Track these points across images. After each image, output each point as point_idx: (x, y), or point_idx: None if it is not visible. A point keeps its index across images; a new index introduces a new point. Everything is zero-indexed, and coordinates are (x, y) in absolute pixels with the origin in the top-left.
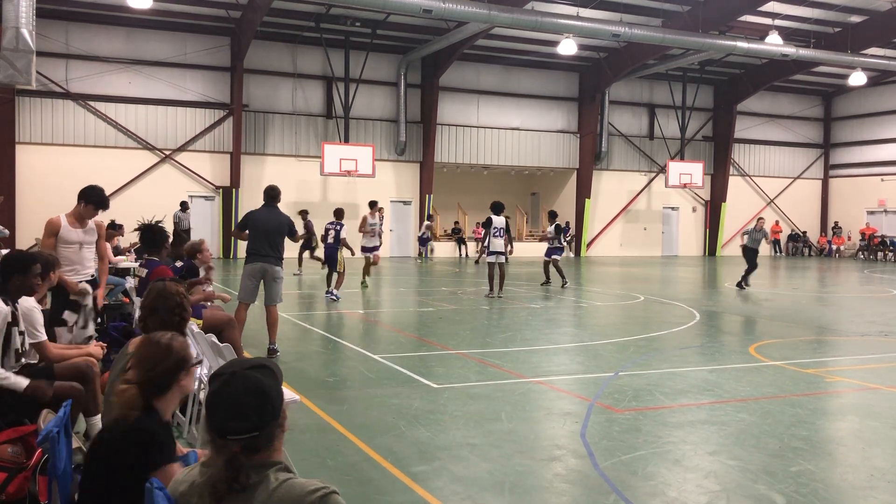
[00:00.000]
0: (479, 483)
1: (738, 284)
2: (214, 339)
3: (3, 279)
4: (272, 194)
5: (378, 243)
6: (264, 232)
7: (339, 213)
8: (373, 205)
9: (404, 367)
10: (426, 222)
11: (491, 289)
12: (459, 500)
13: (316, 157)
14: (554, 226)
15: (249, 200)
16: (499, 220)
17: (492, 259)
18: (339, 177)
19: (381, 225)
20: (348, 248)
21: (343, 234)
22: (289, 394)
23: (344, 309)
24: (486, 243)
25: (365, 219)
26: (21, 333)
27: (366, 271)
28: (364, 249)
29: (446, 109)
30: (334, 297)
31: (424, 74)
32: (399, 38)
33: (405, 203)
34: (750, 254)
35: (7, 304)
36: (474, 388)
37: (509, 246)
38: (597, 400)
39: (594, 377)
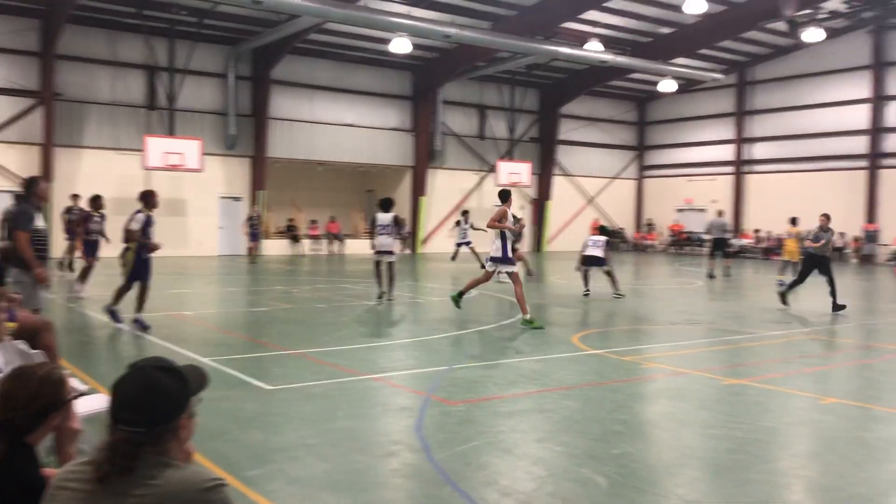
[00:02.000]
0: (315, 483)
1: (836, 307)
2: (24, 345)
3: None
4: (26, 185)
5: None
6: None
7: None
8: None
9: (236, 369)
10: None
11: (380, 287)
12: (296, 501)
13: (138, 151)
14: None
15: (64, 195)
16: (384, 217)
17: (377, 258)
18: (163, 171)
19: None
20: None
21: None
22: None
23: (169, 310)
24: (372, 240)
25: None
26: None
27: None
28: None
29: (279, 103)
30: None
31: (255, 67)
32: (228, 28)
33: (235, 199)
34: (818, 263)
35: None
36: (310, 388)
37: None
38: (432, 394)
39: (429, 371)
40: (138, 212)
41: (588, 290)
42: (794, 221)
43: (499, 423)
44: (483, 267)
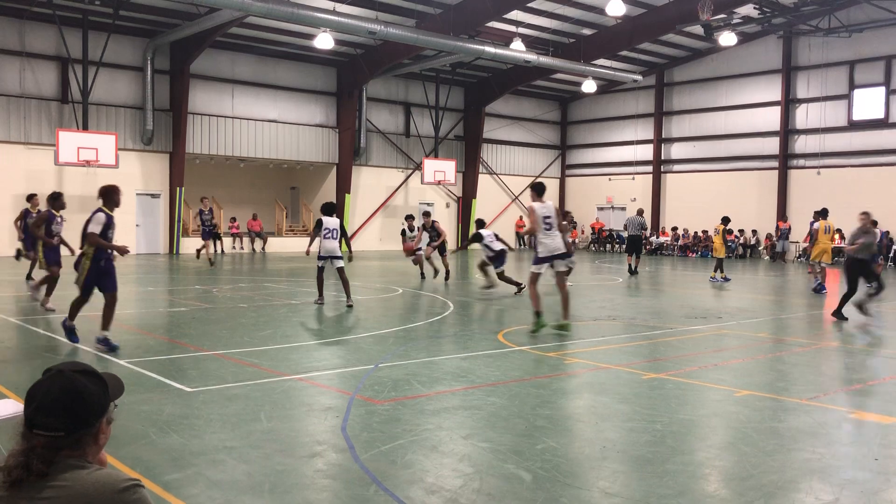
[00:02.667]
0: (237, 486)
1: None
2: None
3: None
4: None
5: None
6: None
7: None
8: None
9: (153, 371)
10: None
11: (320, 295)
12: None
13: (50, 145)
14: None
15: None
16: (331, 221)
17: (321, 263)
18: (76, 167)
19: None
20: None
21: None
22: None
23: (84, 311)
24: (312, 246)
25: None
26: None
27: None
28: None
29: (198, 98)
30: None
31: (174, 60)
32: (145, 20)
33: (153, 196)
34: (859, 268)
35: None
36: (231, 390)
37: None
38: (357, 393)
39: (355, 370)
40: (98, 210)
41: (491, 286)
42: (725, 221)
43: (424, 421)
44: (424, 277)
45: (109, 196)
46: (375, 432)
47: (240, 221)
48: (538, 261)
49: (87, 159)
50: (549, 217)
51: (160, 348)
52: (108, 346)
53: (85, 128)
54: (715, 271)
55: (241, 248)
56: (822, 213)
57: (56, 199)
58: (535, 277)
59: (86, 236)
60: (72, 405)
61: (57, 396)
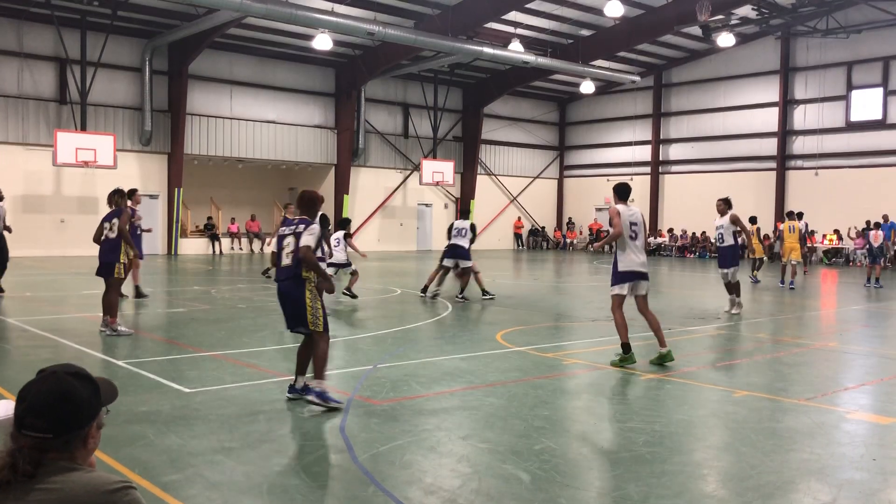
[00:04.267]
0: (236, 487)
1: None
2: None
3: None
4: None
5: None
6: None
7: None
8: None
9: (152, 372)
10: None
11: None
12: None
13: (48, 146)
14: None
15: None
16: (339, 234)
17: (332, 270)
18: (75, 167)
19: None
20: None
21: None
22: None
23: (82, 312)
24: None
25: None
26: None
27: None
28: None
29: (197, 99)
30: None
31: (172, 61)
32: (143, 21)
33: (152, 197)
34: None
35: None
36: (230, 391)
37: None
38: (356, 393)
39: (353, 371)
40: (306, 222)
41: (431, 292)
42: (753, 220)
43: (423, 422)
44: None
45: (314, 205)
46: (374, 433)
47: (238, 222)
48: (620, 279)
49: (86, 160)
50: (636, 224)
51: (158, 349)
52: (326, 401)
53: (83, 128)
54: (754, 271)
55: (240, 248)
56: (789, 215)
57: (134, 194)
58: (619, 301)
59: (299, 256)
60: (60, 407)
61: (46, 398)
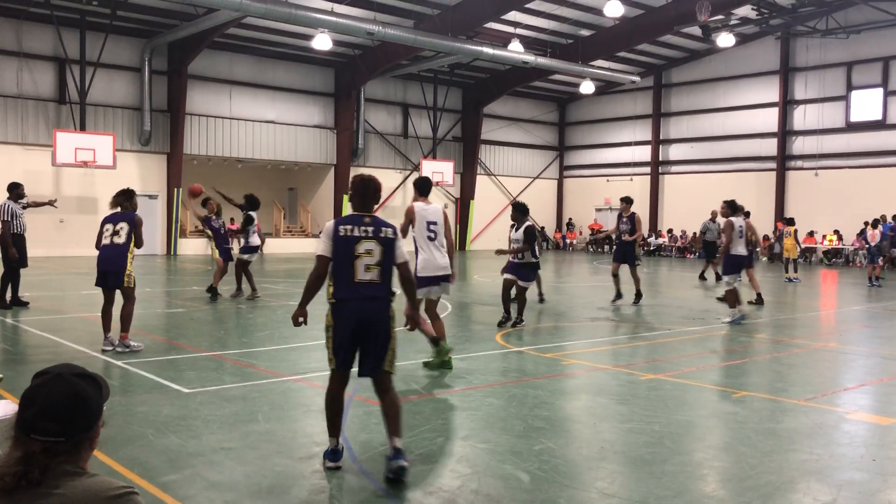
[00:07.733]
0: (235, 487)
1: None
2: None
3: None
4: None
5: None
6: None
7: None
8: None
9: (151, 372)
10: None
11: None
12: None
13: (47, 146)
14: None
15: None
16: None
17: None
18: (74, 167)
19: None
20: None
21: None
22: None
23: (81, 312)
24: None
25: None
26: None
27: None
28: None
29: (196, 99)
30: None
31: (171, 61)
32: (142, 20)
33: (151, 197)
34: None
35: None
36: (229, 391)
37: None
38: (355, 394)
39: (353, 371)
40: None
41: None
42: (790, 221)
43: (422, 422)
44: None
45: (377, 196)
46: (373, 433)
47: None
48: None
49: (85, 160)
50: (434, 224)
51: (157, 349)
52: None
53: (82, 128)
54: (788, 271)
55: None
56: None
57: (208, 202)
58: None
59: (403, 274)
60: (73, 410)
61: (59, 401)
